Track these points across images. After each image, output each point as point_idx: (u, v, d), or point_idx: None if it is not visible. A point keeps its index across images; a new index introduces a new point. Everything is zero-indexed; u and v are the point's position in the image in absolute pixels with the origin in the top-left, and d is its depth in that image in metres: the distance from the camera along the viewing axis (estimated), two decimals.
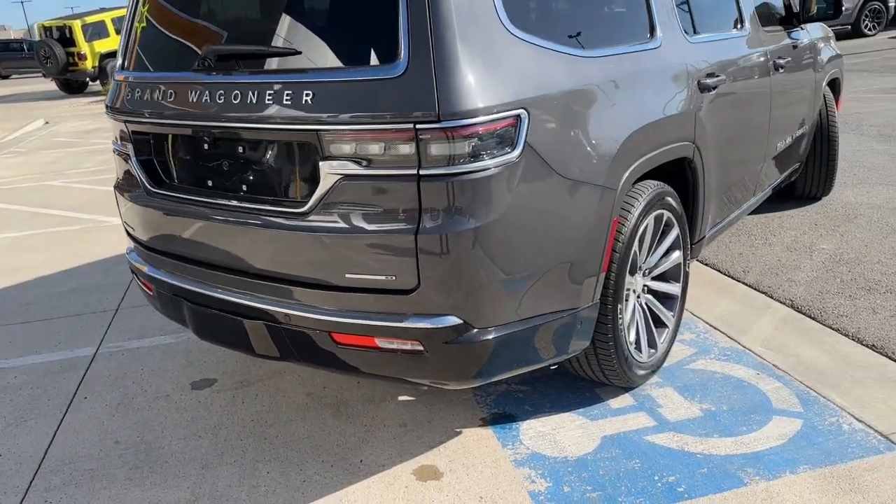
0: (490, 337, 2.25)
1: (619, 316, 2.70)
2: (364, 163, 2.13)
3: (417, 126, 2.04)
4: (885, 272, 3.99)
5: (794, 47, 4.30)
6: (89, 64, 20.72)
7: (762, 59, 3.78)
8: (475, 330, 2.22)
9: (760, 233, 4.78)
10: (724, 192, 3.57)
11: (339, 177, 2.16)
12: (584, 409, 2.88)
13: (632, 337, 2.87)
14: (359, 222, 2.18)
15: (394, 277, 2.17)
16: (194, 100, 2.44)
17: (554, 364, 2.61)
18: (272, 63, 2.31)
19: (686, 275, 3.22)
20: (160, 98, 2.56)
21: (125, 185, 2.90)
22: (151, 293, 2.93)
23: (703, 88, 3.09)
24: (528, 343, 2.40)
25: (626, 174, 2.57)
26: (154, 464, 2.72)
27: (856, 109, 8.57)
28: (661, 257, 3.05)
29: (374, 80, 2.09)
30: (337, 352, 2.34)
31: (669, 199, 2.93)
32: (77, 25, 20.74)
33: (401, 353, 2.26)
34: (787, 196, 5.34)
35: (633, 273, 2.87)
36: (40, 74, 24.91)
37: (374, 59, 2.12)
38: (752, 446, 2.58)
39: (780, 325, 3.48)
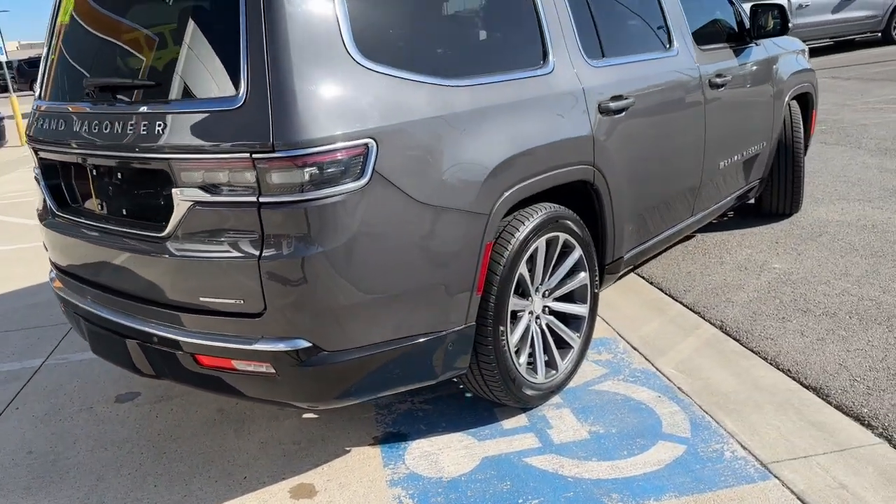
0: (345, 359, 2.31)
1: (502, 338, 2.72)
2: (211, 191, 2.21)
3: (254, 156, 2.12)
4: (829, 293, 3.91)
5: (744, 64, 4.26)
6: None
7: (693, 78, 3.75)
8: (326, 353, 2.28)
9: (716, 251, 4.73)
10: (647, 212, 3.55)
11: (191, 204, 2.25)
12: (476, 430, 2.90)
13: (522, 358, 2.89)
14: (209, 247, 2.27)
15: (242, 301, 2.25)
16: (79, 129, 2.57)
17: (427, 384, 2.65)
18: (136, 95, 2.42)
19: (595, 296, 3.22)
20: (56, 126, 2.70)
21: (41, 209, 3.05)
22: (64, 311, 3.07)
23: (606, 112, 3.10)
24: (395, 364, 2.45)
25: (500, 200, 2.59)
26: (55, 474, 2.85)
27: (863, 121, 8.37)
28: (564, 279, 3.07)
29: (217, 112, 2.18)
30: (203, 373, 2.43)
31: (567, 221, 2.95)
32: None
33: (257, 376, 2.34)
34: (755, 213, 5.27)
35: (525, 295, 2.89)
36: None
37: (218, 92, 2.21)
38: (625, 471, 2.58)
39: (702, 347, 3.46)
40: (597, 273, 3.20)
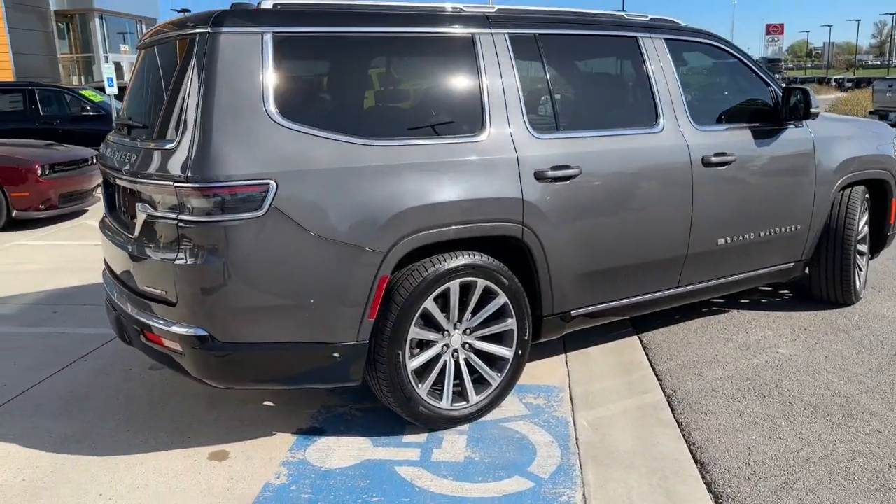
0: (235, 350, 2.93)
1: (398, 360, 3.18)
2: (155, 208, 2.96)
3: (176, 185, 2.83)
4: (808, 384, 3.85)
5: (765, 146, 4.30)
6: None
7: (678, 155, 3.91)
8: (219, 342, 2.92)
9: (734, 327, 4.71)
10: (605, 275, 3.78)
11: (145, 216, 3.02)
12: (379, 437, 3.36)
13: (426, 383, 3.31)
14: (151, 249, 3.01)
15: (165, 293, 2.96)
16: (110, 154, 3.47)
17: (318, 386, 3.19)
18: (133, 133, 3.26)
19: (523, 342, 3.54)
20: (105, 151, 3.64)
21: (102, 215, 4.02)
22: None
23: (543, 178, 3.44)
24: (282, 362, 3.03)
25: (400, 243, 3.07)
26: (76, 409, 3.72)
27: None
28: (488, 322, 3.44)
29: (162, 150, 2.93)
30: (150, 346, 3.17)
31: (489, 269, 3.34)
32: None
33: (174, 353, 3.03)
34: (808, 297, 5.12)
35: (438, 329, 3.32)
36: None
37: (168, 136, 2.95)
38: (467, 492, 2.91)
39: (633, 410, 3.62)
40: (527, 322, 3.53)
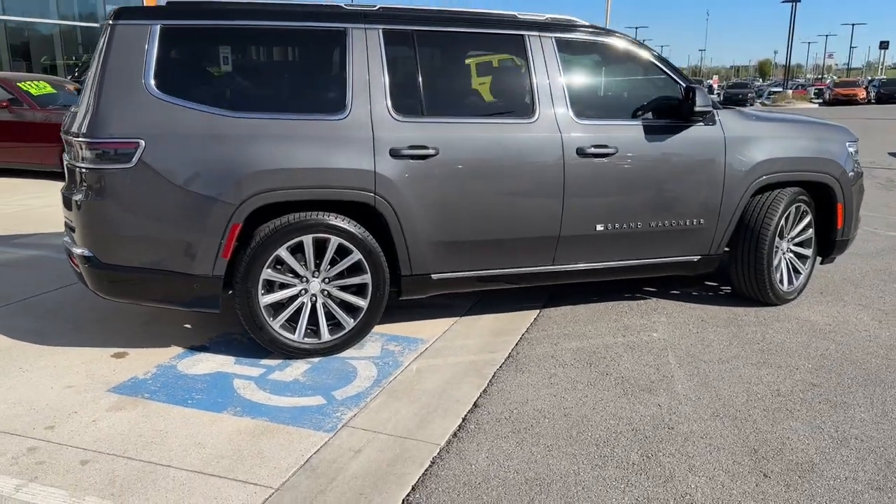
0: (111, 270, 3.80)
1: (251, 295, 3.91)
2: (71, 158, 3.88)
3: (77, 139, 3.72)
4: (642, 362, 4.14)
5: (659, 141, 4.55)
6: None
7: (550, 145, 4.30)
8: (102, 262, 3.80)
9: (638, 311, 5.00)
10: (467, 246, 4.27)
11: (67, 163, 3.95)
12: (244, 358, 4.10)
13: (279, 318, 4.01)
14: (70, 188, 3.94)
15: (71, 221, 3.88)
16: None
17: (179, 307, 3.97)
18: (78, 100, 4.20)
19: (377, 297, 4.14)
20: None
21: None
22: None
23: (398, 156, 4.01)
24: (152, 284, 3.86)
25: (251, 198, 3.79)
26: (60, 322, 4.81)
27: None
28: (345, 274, 4.09)
29: (77, 113, 3.83)
30: (73, 267, 4.11)
31: (347, 227, 3.97)
32: None
33: (78, 270, 3.95)
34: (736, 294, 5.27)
35: (297, 276, 4.01)
36: None
37: (83, 102, 3.83)
38: (271, 401, 3.60)
39: (467, 364, 4.11)
40: (383, 278, 4.13)
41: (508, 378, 3.94)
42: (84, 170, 3.74)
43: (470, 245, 4.31)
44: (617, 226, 4.59)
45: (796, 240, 5.20)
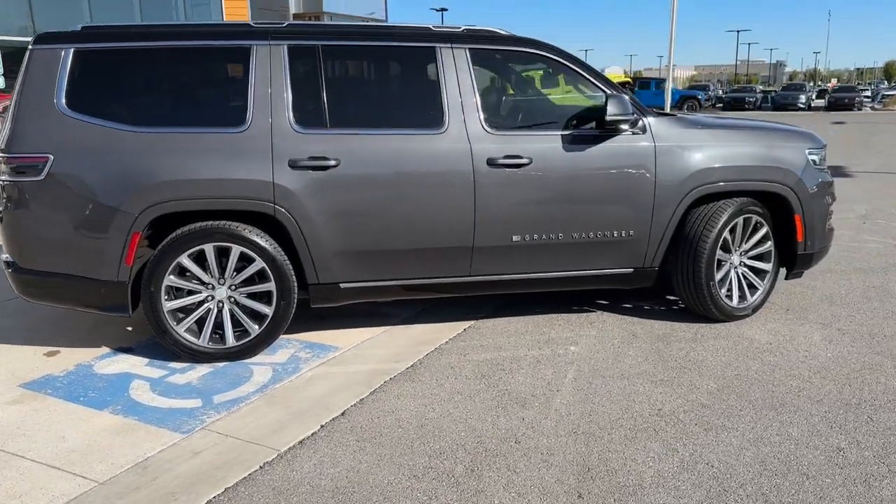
0: (30, 275, 4.11)
1: (155, 300, 4.13)
2: None
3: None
4: (538, 376, 4.06)
5: (579, 152, 4.45)
6: None
7: (459, 155, 4.30)
8: (20, 267, 4.12)
9: (568, 325, 4.88)
10: (375, 256, 4.32)
11: None
12: (157, 360, 4.32)
13: (184, 323, 4.21)
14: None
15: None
16: None
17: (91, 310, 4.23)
18: None
19: (281, 305, 4.27)
20: None
21: None
22: None
23: (297, 167, 4.13)
24: (63, 287, 4.14)
25: (150, 208, 4.01)
26: (20, 312, 5.22)
27: None
28: (250, 281, 4.24)
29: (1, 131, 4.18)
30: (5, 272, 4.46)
31: (248, 236, 4.13)
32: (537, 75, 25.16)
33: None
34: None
35: (203, 283, 4.20)
36: None
37: (5, 121, 4.19)
38: (154, 402, 3.79)
39: (365, 372, 4.17)
40: (288, 286, 4.25)
41: (394, 388, 3.96)
42: (2, 182, 4.07)
43: (379, 255, 4.36)
44: (535, 237, 4.51)
45: (751, 253, 4.93)
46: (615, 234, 4.62)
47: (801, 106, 41.81)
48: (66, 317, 5.10)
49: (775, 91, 50.18)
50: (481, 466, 3.13)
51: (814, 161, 4.94)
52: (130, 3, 20.05)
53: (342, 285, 4.39)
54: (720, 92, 52.87)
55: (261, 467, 3.16)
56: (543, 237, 4.52)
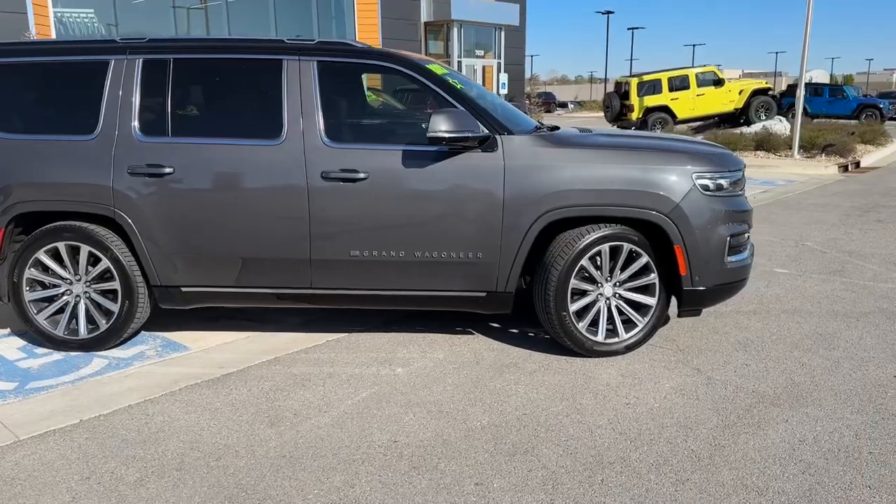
0: None
1: (20, 295, 4.55)
2: None
3: None
4: (341, 395, 4.01)
5: (420, 168, 4.32)
6: (635, 115, 23.93)
7: (293, 167, 4.33)
8: None
9: (440, 348, 4.73)
10: (210, 261, 4.47)
11: None
12: (28, 345, 4.76)
13: (44, 315, 4.60)
14: None
15: None
16: None
17: None
18: None
19: (126, 303, 4.55)
20: None
21: None
22: None
23: (135, 174, 4.38)
24: None
25: (11, 206, 4.43)
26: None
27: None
28: (100, 279, 4.56)
29: None
30: None
31: (94, 236, 4.45)
32: (634, 82, 24.38)
33: None
34: None
35: (62, 277, 4.58)
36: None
37: None
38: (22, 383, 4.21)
39: (180, 378, 4.34)
40: (136, 285, 4.53)
41: (184, 394, 4.06)
42: None
43: (216, 261, 4.51)
44: (375, 253, 4.44)
45: (628, 285, 4.51)
46: (461, 256, 4.42)
47: None
48: None
49: None
50: (149, 477, 3.18)
51: (704, 186, 4.41)
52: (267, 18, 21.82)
53: (183, 289, 4.59)
54: None
55: None
56: (383, 253, 4.43)
